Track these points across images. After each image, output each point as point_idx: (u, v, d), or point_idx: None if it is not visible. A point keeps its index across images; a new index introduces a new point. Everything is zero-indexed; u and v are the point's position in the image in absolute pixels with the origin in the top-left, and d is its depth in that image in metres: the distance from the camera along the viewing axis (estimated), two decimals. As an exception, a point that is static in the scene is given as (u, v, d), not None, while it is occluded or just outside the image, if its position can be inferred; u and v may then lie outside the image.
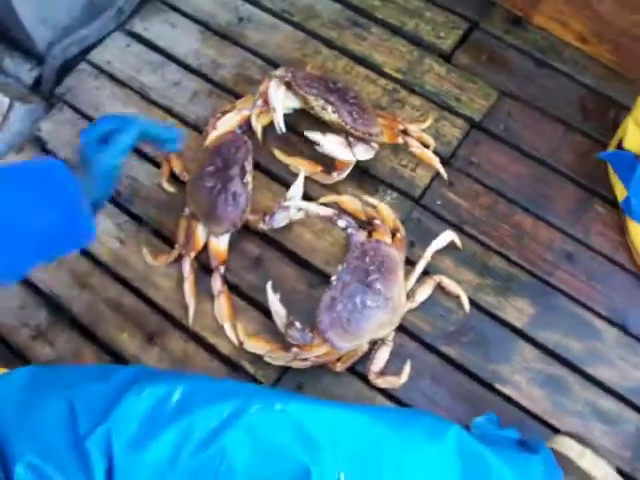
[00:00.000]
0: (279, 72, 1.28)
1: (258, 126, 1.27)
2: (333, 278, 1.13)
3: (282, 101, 1.25)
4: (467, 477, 0.80)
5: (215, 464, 0.73)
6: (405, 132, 1.29)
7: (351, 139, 1.24)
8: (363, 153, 1.25)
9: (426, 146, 1.28)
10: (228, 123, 1.28)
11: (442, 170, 1.27)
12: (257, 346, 1.13)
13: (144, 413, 0.75)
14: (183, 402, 0.77)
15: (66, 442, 0.73)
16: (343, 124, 1.23)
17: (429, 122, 1.32)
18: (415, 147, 1.27)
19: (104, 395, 0.76)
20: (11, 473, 0.72)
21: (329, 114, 1.24)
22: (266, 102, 1.26)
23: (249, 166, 1.22)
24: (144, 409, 0.75)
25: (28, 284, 1.21)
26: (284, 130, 1.24)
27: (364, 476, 0.77)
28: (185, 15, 1.49)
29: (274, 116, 1.24)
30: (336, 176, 1.25)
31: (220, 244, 1.20)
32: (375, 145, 1.25)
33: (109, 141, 0.83)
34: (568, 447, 1.00)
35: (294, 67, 1.32)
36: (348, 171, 1.25)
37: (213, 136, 1.27)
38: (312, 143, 1.26)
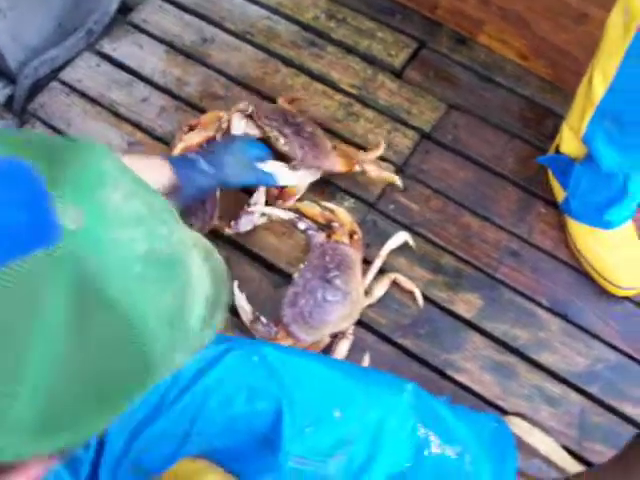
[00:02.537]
0: (242, 106, 1.33)
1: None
2: (295, 275, 1.19)
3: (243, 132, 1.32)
4: (424, 426, 0.87)
5: (197, 403, 0.79)
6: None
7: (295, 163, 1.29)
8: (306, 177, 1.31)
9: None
10: (195, 138, 1.33)
11: (399, 182, 1.34)
12: (225, 342, 1.19)
13: None
14: None
15: None
16: (292, 156, 1.28)
17: (381, 149, 1.36)
18: (372, 172, 1.33)
19: None
20: None
21: (281, 145, 1.29)
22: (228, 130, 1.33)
23: (215, 175, 1.28)
24: None
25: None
26: None
27: (332, 418, 0.83)
28: (152, 36, 1.54)
29: None
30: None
31: (188, 248, 1.26)
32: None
33: None
34: (517, 425, 1.06)
35: (257, 85, 1.40)
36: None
37: (180, 148, 1.33)
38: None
